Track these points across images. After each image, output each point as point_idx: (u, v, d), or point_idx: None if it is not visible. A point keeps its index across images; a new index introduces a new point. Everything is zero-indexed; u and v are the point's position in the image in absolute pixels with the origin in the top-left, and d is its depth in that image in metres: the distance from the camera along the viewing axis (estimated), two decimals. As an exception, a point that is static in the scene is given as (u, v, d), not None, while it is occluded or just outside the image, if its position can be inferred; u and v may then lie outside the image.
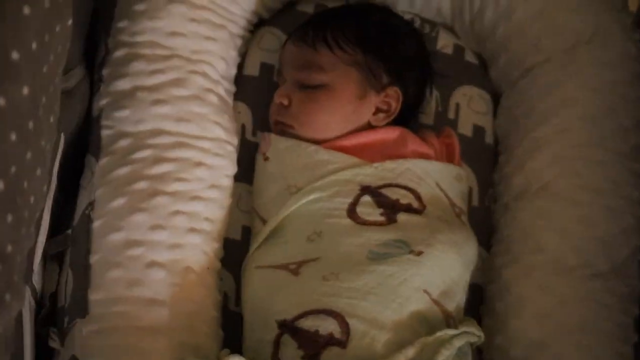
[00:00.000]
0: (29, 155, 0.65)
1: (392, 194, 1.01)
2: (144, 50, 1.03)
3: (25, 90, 0.62)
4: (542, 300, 1.03)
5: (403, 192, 1.02)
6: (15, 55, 0.61)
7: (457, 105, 1.21)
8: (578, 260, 1.04)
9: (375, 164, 1.03)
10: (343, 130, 1.07)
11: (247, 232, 1.10)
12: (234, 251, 1.07)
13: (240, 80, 1.17)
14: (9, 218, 0.63)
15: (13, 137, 0.61)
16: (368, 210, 1.00)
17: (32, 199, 0.68)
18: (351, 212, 1.00)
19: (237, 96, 1.16)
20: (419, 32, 1.20)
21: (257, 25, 1.22)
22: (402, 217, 0.99)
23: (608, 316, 1.02)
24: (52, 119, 0.72)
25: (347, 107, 1.07)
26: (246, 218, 1.11)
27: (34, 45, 0.63)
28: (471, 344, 0.97)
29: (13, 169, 0.62)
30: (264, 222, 1.04)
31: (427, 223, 1.00)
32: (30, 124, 0.64)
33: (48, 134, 0.72)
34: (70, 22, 0.72)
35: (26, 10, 0.62)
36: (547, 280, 1.04)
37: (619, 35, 1.14)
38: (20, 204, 0.65)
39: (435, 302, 0.95)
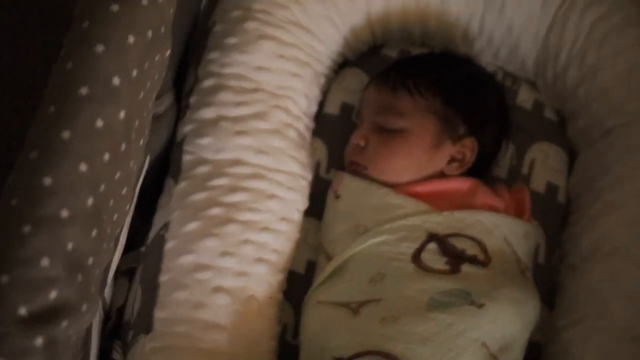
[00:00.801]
0: (118, 175, 0.69)
1: (459, 243, 1.02)
2: (231, 82, 1.07)
3: (122, 114, 0.67)
4: (604, 367, 1.02)
5: (470, 243, 1.03)
6: (116, 80, 0.65)
7: (533, 161, 1.22)
8: None
9: (445, 213, 1.04)
10: (415, 176, 1.09)
11: (312, 267, 1.13)
12: (297, 284, 1.10)
13: (320, 117, 1.21)
14: (94, 233, 0.67)
15: (106, 157, 0.66)
16: (433, 257, 1.01)
17: (115, 216, 0.72)
18: (416, 257, 1.01)
19: (316, 133, 1.19)
20: (501, 85, 1.22)
21: (341, 65, 1.25)
22: (466, 268, 1.00)
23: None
24: (142, 142, 0.76)
25: (421, 154, 1.09)
26: (312, 253, 1.13)
27: (134, 73, 0.68)
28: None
29: (102, 187, 0.66)
30: (330, 258, 1.07)
31: (491, 277, 1.00)
32: (123, 146, 0.68)
33: (137, 156, 0.76)
34: (168, 52, 0.77)
35: (131, 39, 0.67)
36: (609, 347, 1.02)
37: None
38: (105, 220, 0.69)
39: (493, 356, 0.95)
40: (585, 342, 1.04)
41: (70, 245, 0.64)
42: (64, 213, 0.63)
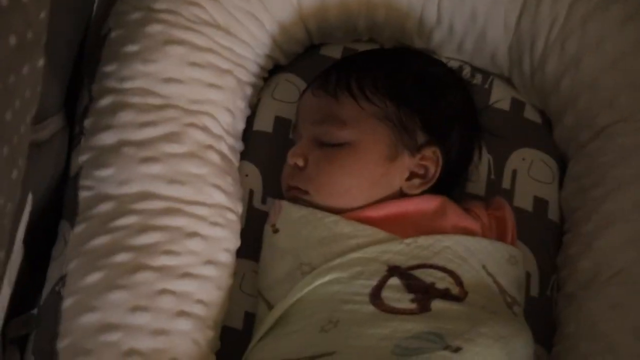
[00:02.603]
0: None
1: (427, 276, 1.04)
2: (134, 99, 1.08)
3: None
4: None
5: (440, 274, 1.04)
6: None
7: (514, 172, 1.26)
8: None
9: (407, 240, 1.06)
10: (369, 198, 1.11)
11: (251, 320, 1.14)
12: (234, 342, 1.11)
13: (249, 136, 1.23)
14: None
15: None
16: (396, 295, 1.02)
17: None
18: (375, 297, 1.02)
19: (245, 156, 1.22)
20: (466, 82, 1.25)
21: (272, 71, 1.28)
22: (437, 304, 1.01)
23: None
24: (14, 175, 0.77)
25: (374, 170, 1.11)
26: (251, 303, 1.15)
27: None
28: None
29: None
30: (270, 307, 1.08)
31: (468, 313, 1.02)
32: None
33: (8, 192, 0.76)
34: (41, 62, 0.78)
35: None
36: (619, 390, 1.05)
37: None
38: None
39: (478, 411, 0.96)
40: (590, 387, 1.06)
41: None
42: None
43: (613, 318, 1.09)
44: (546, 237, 1.23)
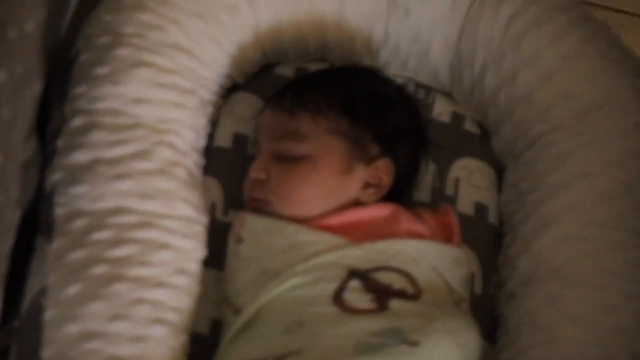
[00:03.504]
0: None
1: (384, 277, 1.11)
2: (105, 119, 1.13)
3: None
4: (554, 404, 1.12)
5: (396, 276, 1.12)
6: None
7: (457, 180, 1.35)
8: (596, 354, 1.13)
9: (365, 245, 1.13)
10: (327, 207, 1.18)
11: (216, 326, 1.20)
12: (201, 348, 1.16)
13: (210, 152, 1.29)
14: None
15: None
16: (356, 296, 1.09)
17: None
18: (337, 298, 1.09)
19: (207, 170, 1.28)
20: (412, 97, 1.34)
21: (230, 90, 1.35)
22: (394, 303, 1.09)
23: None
24: (14, 194, 0.83)
25: (331, 181, 1.19)
26: (215, 310, 1.21)
27: (5, 113, 0.75)
28: None
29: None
30: (237, 312, 1.13)
31: (423, 310, 1.09)
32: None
33: (9, 210, 0.83)
34: (38, 87, 0.84)
35: (1, 76, 0.74)
36: (561, 377, 1.13)
37: (634, 102, 1.27)
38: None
39: (437, 399, 1.04)
40: (534, 375, 1.15)
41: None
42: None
43: (551, 311, 1.17)
44: (487, 239, 1.33)
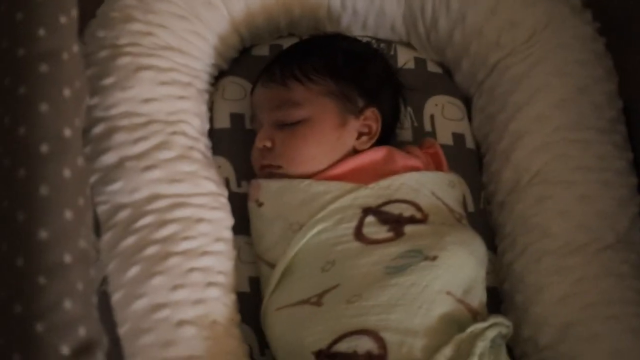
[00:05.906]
0: (89, 218, 0.92)
1: (394, 209, 1.27)
2: (122, 122, 1.27)
3: (79, 161, 0.90)
4: (558, 283, 1.29)
5: (403, 205, 1.28)
6: (67, 132, 0.88)
7: (432, 116, 1.53)
8: (586, 237, 1.31)
9: (371, 185, 1.29)
10: (331, 160, 1.34)
11: (256, 283, 1.35)
12: (246, 304, 1.31)
13: (213, 134, 1.44)
14: (91, 271, 0.88)
15: (81, 201, 0.88)
16: (374, 229, 1.25)
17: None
18: (358, 235, 1.25)
19: (214, 151, 1.42)
20: (381, 51, 1.52)
21: (217, 77, 1.51)
22: (408, 228, 1.25)
23: (625, 285, 1.29)
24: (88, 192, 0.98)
25: (330, 136, 1.34)
26: (251, 269, 1.36)
27: (76, 122, 0.91)
28: (503, 337, 1.23)
29: (83, 230, 0.89)
30: (272, 266, 1.29)
31: (433, 230, 1.26)
32: (87, 190, 0.91)
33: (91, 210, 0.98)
34: (88, 97, 1.00)
35: (66, 92, 0.90)
36: (559, 263, 1.31)
37: (573, 18, 1.46)
38: (90, 260, 0.91)
39: (460, 301, 1.20)
40: (536, 267, 1.33)
41: (80, 285, 0.86)
42: (67, 258, 0.85)
43: (539, 210, 1.36)
44: (469, 162, 1.50)
